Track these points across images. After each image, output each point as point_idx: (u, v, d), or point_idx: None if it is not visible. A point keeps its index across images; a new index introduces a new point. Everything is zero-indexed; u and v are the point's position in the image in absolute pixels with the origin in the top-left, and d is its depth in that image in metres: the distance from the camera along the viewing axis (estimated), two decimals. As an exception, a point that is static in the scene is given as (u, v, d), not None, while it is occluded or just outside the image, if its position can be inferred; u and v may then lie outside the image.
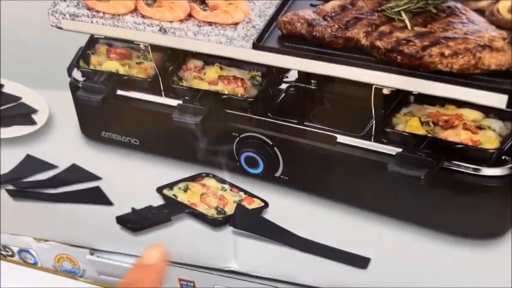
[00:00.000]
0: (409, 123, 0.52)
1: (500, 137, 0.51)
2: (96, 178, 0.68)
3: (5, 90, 0.66)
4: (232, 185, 0.63)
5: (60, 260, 0.76)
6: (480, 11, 0.47)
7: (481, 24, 0.46)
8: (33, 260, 0.78)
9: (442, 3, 0.46)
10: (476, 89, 0.46)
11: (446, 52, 0.45)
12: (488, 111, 0.51)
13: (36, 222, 0.74)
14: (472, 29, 0.46)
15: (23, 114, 0.66)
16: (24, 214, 0.74)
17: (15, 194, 0.72)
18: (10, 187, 0.72)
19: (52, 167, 0.69)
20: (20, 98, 0.66)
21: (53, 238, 0.75)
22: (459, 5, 0.47)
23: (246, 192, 0.63)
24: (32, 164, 0.69)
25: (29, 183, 0.71)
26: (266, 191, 0.61)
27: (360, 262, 0.60)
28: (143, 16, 0.55)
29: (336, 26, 0.49)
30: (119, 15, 0.56)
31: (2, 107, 0.66)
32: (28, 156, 0.69)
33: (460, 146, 0.50)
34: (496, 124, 0.51)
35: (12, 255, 0.79)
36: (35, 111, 0.66)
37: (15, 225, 0.75)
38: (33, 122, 0.66)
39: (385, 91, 0.49)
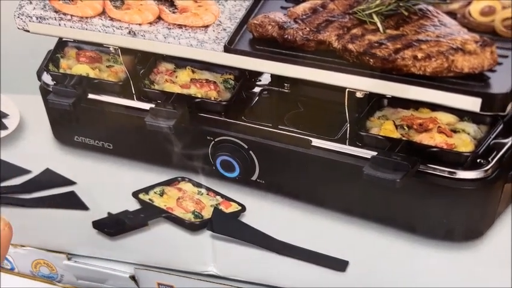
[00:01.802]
0: (384, 126, 0.51)
1: (475, 140, 0.50)
2: (71, 183, 0.67)
3: (-27, 95, 0.64)
4: (208, 189, 0.62)
5: (37, 265, 0.76)
6: (452, 14, 0.46)
7: (453, 27, 0.45)
8: (10, 266, 0.77)
9: (413, 5, 0.46)
10: (449, 92, 0.45)
11: (419, 55, 0.45)
12: (462, 114, 0.51)
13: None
14: (444, 31, 0.45)
15: (-6, 119, 0.65)
16: (-1, 219, 0.72)
17: (-11, 200, 0.71)
18: (-17, 193, 0.71)
19: (25, 172, 0.68)
20: (-11, 103, 0.64)
21: (29, 243, 0.74)
22: (431, 8, 0.46)
23: (222, 196, 0.62)
24: (4, 169, 0.68)
25: (2, 188, 0.70)
26: (243, 195, 0.61)
27: (338, 265, 0.60)
28: (112, 19, 0.54)
29: (307, 28, 0.48)
30: (87, 17, 0.54)
31: (-29, 112, 0.65)
32: (0, 162, 0.68)
33: (435, 149, 0.50)
34: (471, 127, 0.50)
35: (-12, 261, 0.78)
36: (5, 115, 0.65)
37: (-10, 231, 0.74)
38: (4, 127, 0.65)
39: (359, 94, 0.49)
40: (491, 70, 0.45)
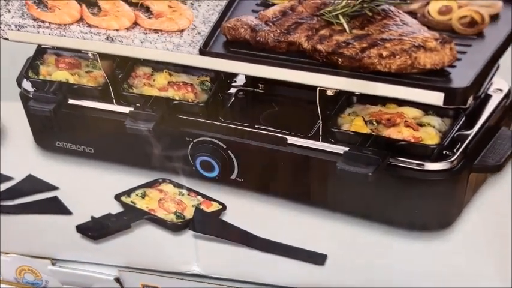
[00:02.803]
0: (354, 122, 0.53)
1: (440, 133, 0.52)
2: (53, 188, 0.67)
3: (-47, 103, 0.64)
4: (189, 190, 0.63)
5: (21, 272, 0.75)
6: (412, 13, 0.48)
7: (414, 25, 0.47)
8: (-5, 274, 0.77)
9: (376, 6, 0.48)
10: (414, 88, 0.47)
11: (384, 53, 0.47)
12: (427, 108, 0.53)
13: (-5, 235, 0.73)
14: (407, 30, 0.47)
15: (-26, 126, 0.65)
16: (-18, 227, 0.72)
17: (-28, 208, 0.71)
18: (-34, 201, 0.71)
19: (7, 178, 0.68)
20: (-31, 111, 0.65)
21: (13, 250, 0.74)
22: (393, 8, 0.48)
23: (203, 195, 0.63)
24: (-14, 176, 0.68)
25: (-16, 196, 0.70)
26: (223, 194, 0.62)
27: (318, 259, 0.61)
28: (89, 25, 0.55)
29: (278, 30, 0.50)
30: (65, 25, 0.55)
31: (-49, 121, 0.65)
32: (-18, 169, 0.68)
33: (403, 142, 0.52)
34: (435, 121, 0.53)
35: (-28, 270, 0.77)
36: (-14, 123, 0.65)
37: (-27, 239, 0.74)
38: (-15, 135, 0.65)
39: (329, 92, 0.51)
40: (451, 66, 0.47)
